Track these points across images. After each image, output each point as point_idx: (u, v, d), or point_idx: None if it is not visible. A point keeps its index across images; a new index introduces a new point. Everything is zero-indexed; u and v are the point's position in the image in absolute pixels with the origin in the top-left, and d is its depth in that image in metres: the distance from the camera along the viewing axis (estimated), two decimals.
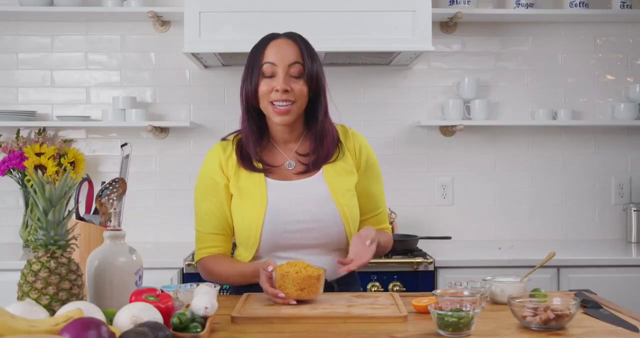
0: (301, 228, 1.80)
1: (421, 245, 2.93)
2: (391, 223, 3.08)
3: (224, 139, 1.95)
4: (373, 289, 2.65)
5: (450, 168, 3.32)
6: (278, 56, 1.79)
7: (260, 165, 1.86)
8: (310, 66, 1.81)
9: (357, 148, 1.92)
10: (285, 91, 1.78)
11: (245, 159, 1.86)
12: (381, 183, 1.97)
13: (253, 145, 1.86)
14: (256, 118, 1.88)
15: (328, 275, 1.79)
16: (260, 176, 1.84)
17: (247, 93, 1.84)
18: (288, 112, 1.80)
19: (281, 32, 1.88)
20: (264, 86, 1.80)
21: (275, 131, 1.88)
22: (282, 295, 1.59)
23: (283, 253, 1.82)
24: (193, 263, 2.65)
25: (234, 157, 1.87)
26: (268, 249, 1.82)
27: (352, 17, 2.80)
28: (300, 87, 1.80)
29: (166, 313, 1.30)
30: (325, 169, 1.87)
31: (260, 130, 1.89)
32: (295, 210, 1.80)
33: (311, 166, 1.86)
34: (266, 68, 1.80)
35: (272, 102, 1.80)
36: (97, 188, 1.79)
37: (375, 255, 1.85)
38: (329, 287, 1.82)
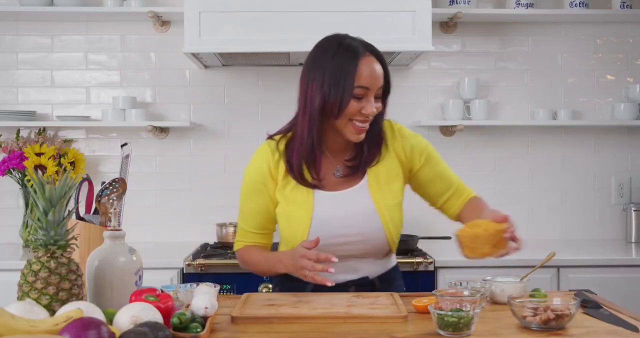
0: (345, 241, 1.81)
1: (421, 245, 2.93)
2: None
3: (271, 138, 1.90)
4: None
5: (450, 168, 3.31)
6: (372, 81, 1.74)
7: (309, 178, 1.82)
8: (389, 85, 1.80)
9: (407, 149, 1.88)
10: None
11: (295, 172, 1.81)
12: (442, 161, 1.93)
13: (306, 161, 1.81)
14: (319, 132, 1.80)
15: (370, 273, 1.86)
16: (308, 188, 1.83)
17: (330, 108, 1.74)
18: (365, 130, 1.79)
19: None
20: (352, 107, 1.74)
21: (332, 141, 1.84)
22: (323, 255, 1.64)
23: None
24: (193, 263, 2.65)
25: (282, 161, 1.84)
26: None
27: (352, 17, 2.80)
28: (379, 105, 1.79)
29: (166, 313, 1.30)
30: (370, 176, 1.84)
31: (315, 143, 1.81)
32: (340, 225, 1.80)
33: (355, 170, 1.84)
34: (359, 91, 1.73)
35: (351, 119, 1.75)
36: (97, 188, 1.78)
37: None
38: (371, 284, 1.85)
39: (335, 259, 1.65)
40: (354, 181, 1.85)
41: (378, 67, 1.77)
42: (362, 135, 1.79)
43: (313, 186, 1.82)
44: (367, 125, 1.78)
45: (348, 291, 1.81)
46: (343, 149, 1.86)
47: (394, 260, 1.99)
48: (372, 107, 1.74)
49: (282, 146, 1.85)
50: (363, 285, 1.84)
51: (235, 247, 1.95)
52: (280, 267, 1.79)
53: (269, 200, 1.86)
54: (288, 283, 1.86)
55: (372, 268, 1.87)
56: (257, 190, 1.86)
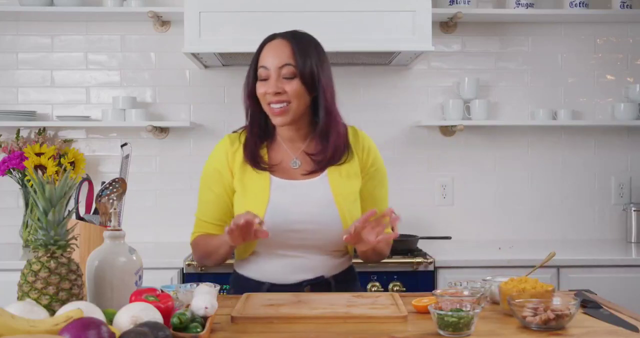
0: (301, 228, 1.80)
1: (421, 245, 2.93)
2: None
3: (234, 132, 1.96)
4: (373, 289, 2.64)
5: (450, 168, 3.32)
6: (270, 59, 1.80)
7: (265, 163, 1.86)
8: (303, 66, 1.79)
9: (365, 150, 1.91)
10: (277, 93, 1.79)
11: (250, 157, 1.86)
12: (386, 188, 1.96)
13: (255, 144, 1.87)
14: (261, 117, 1.88)
15: (325, 271, 1.85)
16: (265, 174, 1.85)
17: (247, 94, 1.87)
18: (284, 112, 1.80)
19: (285, 30, 1.88)
20: (259, 89, 1.82)
21: (281, 129, 1.89)
22: (258, 220, 1.62)
23: (281, 251, 1.83)
24: (193, 263, 2.65)
25: (240, 151, 1.88)
26: (266, 246, 1.83)
27: (352, 17, 2.80)
28: (293, 87, 1.79)
29: (166, 313, 1.30)
30: (330, 170, 1.86)
31: (266, 128, 1.90)
32: (296, 211, 1.80)
33: (317, 166, 1.86)
34: (261, 72, 1.82)
35: (269, 104, 1.81)
36: (97, 188, 1.79)
37: (371, 259, 1.91)
38: (326, 284, 1.83)
39: (258, 219, 1.63)
40: (314, 174, 1.86)
41: (282, 48, 1.80)
42: (283, 118, 1.81)
43: (268, 169, 1.84)
44: (283, 107, 1.79)
45: (303, 291, 1.80)
46: (296, 138, 1.88)
47: (349, 260, 1.97)
48: (271, 84, 1.78)
49: (243, 137, 1.91)
50: (318, 284, 1.83)
51: (191, 239, 1.94)
52: (227, 237, 1.73)
53: (224, 190, 1.88)
54: (244, 283, 1.87)
55: (328, 267, 1.86)
56: (214, 179, 1.89)
